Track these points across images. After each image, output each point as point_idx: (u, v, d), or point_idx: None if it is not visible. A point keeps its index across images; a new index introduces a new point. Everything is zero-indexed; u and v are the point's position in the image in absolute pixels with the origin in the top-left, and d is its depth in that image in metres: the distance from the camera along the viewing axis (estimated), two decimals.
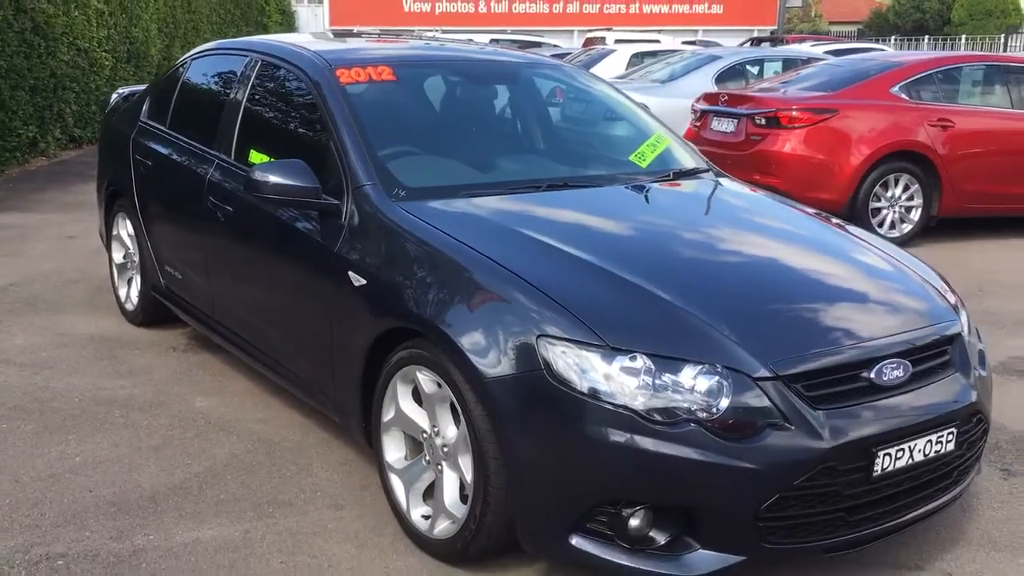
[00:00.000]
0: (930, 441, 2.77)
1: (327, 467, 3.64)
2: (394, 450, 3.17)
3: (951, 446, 2.84)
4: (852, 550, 2.82)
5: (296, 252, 3.59)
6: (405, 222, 3.21)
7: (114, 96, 5.95)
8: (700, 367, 2.58)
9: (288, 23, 25.64)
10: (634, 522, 2.60)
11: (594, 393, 2.56)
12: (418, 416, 3.05)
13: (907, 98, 7.86)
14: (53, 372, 4.54)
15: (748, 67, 11.19)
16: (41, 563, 2.95)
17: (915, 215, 7.89)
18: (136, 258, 5.13)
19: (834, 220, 3.77)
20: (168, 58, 16.07)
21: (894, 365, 2.77)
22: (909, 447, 2.72)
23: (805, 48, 18.15)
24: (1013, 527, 3.35)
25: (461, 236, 3.07)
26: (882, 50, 17.90)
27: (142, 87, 5.77)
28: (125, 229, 5.23)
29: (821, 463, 2.56)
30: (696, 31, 29.60)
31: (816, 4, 53.15)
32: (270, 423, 4.03)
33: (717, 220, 3.64)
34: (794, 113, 7.69)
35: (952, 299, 3.24)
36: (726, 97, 8.33)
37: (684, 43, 21.85)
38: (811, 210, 3.87)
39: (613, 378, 2.56)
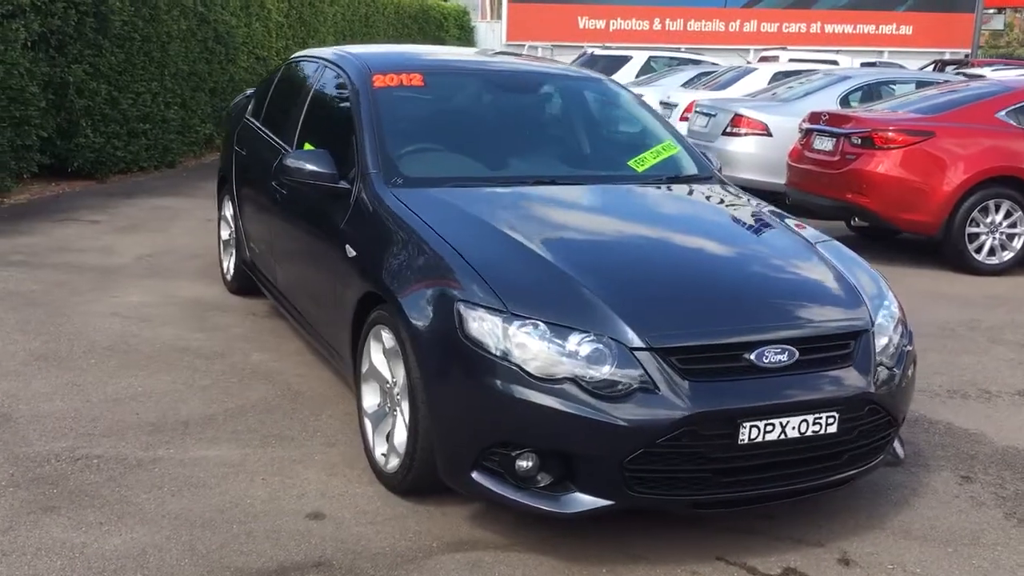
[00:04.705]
0: (805, 421, 3.05)
1: (335, 414, 4.24)
2: (370, 397, 3.72)
3: (832, 429, 3.10)
4: (722, 509, 3.15)
5: (318, 227, 4.23)
6: (391, 204, 3.77)
7: (239, 96, 6.83)
8: (584, 335, 3.00)
9: (467, 38, 26.86)
10: (521, 463, 3.04)
11: (493, 351, 3.02)
12: (384, 369, 3.59)
13: (1014, 123, 7.72)
14: (148, 324, 5.39)
15: (883, 88, 11.07)
16: (81, 460, 3.69)
17: (1017, 243, 7.74)
18: (234, 235, 5.94)
19: (794, 223, 4.03)
20: None
21: (778, 350, 3.08)
22: (781, 423, 3.02)
23: (986, 72, 17.43)
24: (935, 523, 3.54)
25: (427, 217, 3.60)
26: None
27: None
28: (228, 210, 6.06)
29: (682, 426, 2.91)
30: (882, 52, 28.68)
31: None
32: (305, 377, 4.68)
33: (664, 218, 4.01)
34: (889, 134, 7.73)
35: (873, 301, 3.46)
36: (827, 116, 8.43)
37: (863, 64, 21.31)
38: (779, 216, 4.13)
39: (511, 339, 3.02)
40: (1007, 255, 7.77)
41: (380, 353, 3.61)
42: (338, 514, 3.38)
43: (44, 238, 7.48)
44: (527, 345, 3.00)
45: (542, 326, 3.02)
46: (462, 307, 3.12)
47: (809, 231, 3.96)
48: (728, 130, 10.41)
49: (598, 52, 19.16)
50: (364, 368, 3.71)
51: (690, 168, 4.53)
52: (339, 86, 4.64)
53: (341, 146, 4.23)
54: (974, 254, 7.72)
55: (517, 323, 3.03)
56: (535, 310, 3.06)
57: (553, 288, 3.18)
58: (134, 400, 4.30)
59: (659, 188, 4.26)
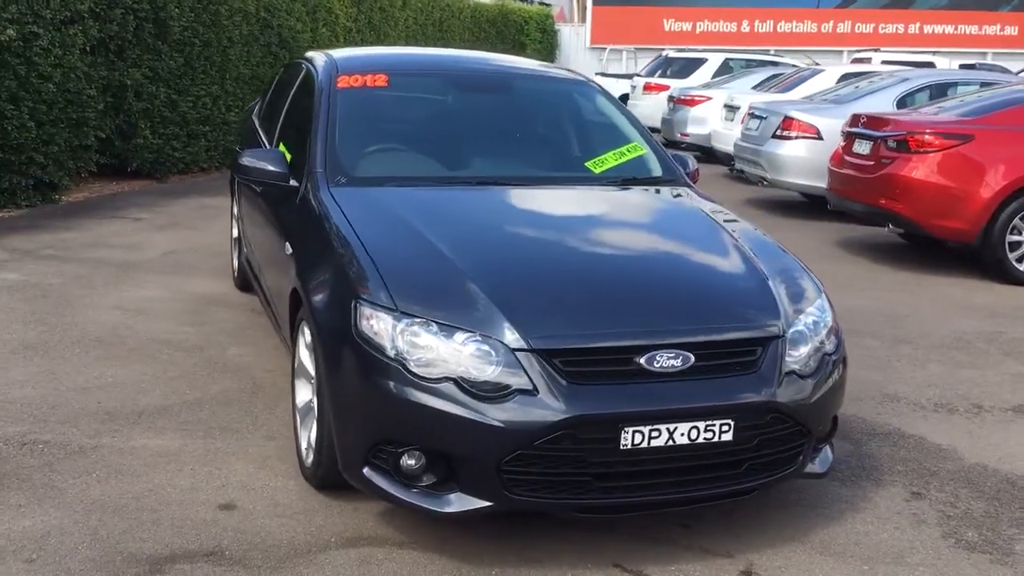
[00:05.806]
0: (696, 428, 2.97)
1: (288, 409, 4.30)
2: (301, 392, 3.77)
3: (727, 437, 3.01)
4: (608, 515, 3.10)
5: (274, 224, 4.32)
6: (325, 203, 3.82)
7: (257, 99, 7.01)
8: (470, 335, 2.99)
9: (548, 42, 26.77)
10: (406, 461, 3.04)
11: (380, 348, 3.04)
12: (309, 364, 3.64)
13: None
14: (145, 317, 5.58)
15: (948, 89, 10.62)
16: (27, 445, 3.86)
17: None
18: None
19: (736, 228, 3.90)
20: None
21: (671, 355, 3.00)
22: (668, 429, 2.94)
23: None
24: (861, 539, 3.40)
25: (350, 215, 3.64)
26: None
27: None
28: (236, 209, 6.23)
29: (559, 429, 2.87)
30: (985, 53, 27.48)
31: None
32: (273, 372, 4.78)
33: (591, 220, 3.96)
34: (926, 137, 7.42)
35: (795, 308, 3.33)
36: (865, 119, 8.15)
37: (961, 66, 20.50)
38: (719, 219, 3.99)
39: (397, 337, 3.03)
40: None
41: (305, 348, 3.66)
42: (250, 506, 3.45)
43: (85, 233, 7.82)
44: (415, 343, 3.01)
45: (432, 325, 3.02)
46: (357, 304, 3.15)
47: (754, 236, 3.83)
48: (778, 133, 10.17)
49: (673, 54, 18.93)
50: (296, 364, 3.78)
51: (655, 170, 4.45)
52: (311, 86, 4.73)
53: (305, 144, 4.31)
54: (1015, 263, 7.35)
55: (406, 321, 3.04)
56: (425, 310, 3.06)
57: (447, 288, 3.17)
58: (100, 390, 4.46)
59: (606, 190, 4.20)
